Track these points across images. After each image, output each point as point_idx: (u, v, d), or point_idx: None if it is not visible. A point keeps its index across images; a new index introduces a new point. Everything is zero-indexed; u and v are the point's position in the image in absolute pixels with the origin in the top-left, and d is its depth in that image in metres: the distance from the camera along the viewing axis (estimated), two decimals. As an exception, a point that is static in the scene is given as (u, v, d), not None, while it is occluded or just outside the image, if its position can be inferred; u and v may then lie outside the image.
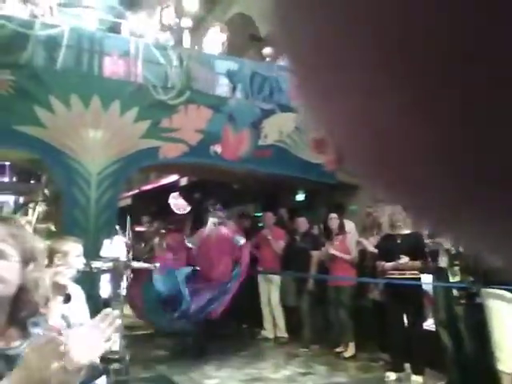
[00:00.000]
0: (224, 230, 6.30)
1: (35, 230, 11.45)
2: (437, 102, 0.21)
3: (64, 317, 2.71)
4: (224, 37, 8.76)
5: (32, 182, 13.63)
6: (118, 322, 1.28)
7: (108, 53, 6.52)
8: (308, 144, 7.13)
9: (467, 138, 0.21)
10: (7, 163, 12.53)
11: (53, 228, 8.56)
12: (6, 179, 13.50)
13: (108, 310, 1.32)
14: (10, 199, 13.86)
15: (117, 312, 1.26)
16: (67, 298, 2.69)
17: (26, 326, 1.37)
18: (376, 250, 5.46)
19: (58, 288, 2.64)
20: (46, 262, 1.51)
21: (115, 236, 5.79)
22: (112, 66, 6.54)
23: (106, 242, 5.67)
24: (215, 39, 8.74)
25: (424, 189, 0.24)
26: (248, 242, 6.99)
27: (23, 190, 13.47)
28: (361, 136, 0.24)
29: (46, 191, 11.02)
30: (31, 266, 1.34)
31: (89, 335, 1.26)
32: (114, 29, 8.69)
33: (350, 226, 6.05)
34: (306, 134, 7.12)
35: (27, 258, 1.33)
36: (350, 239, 5.85)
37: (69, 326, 2.68)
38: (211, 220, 6.49)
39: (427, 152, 0.22)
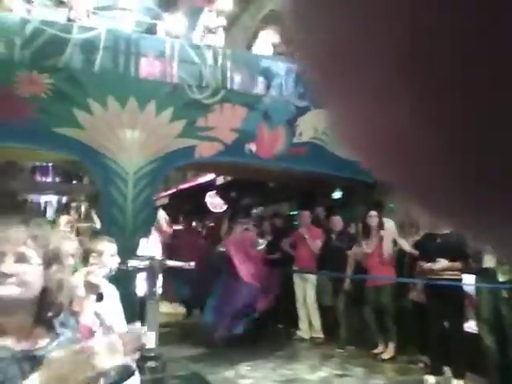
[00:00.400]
0: (248, 235, 6.49)
1: (78, 230, 11.79)
2: (440, 103, 0.21)
3: (97, 314, 2.74)
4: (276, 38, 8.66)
5: (74, 182, 14.03)
6: (144, 337, 1.25)
7: (144, 54, 6.59)
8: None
9: (469, 140, 0.21)
10: (50, 164, 12.92)
11: (97, 226, 8.76)
12: (49, 179, 13.93)
13: (136, 326, 1.29)
14: (53, 199, 14.30)
15: (144, 328, 1.23)
16: (100, 297, 2.72)
17: (53, 325, 1.37)
18: (414, 251, 5.29)
19: (91, 287, 2.67)
20: (72, 261, 1.50)
21: (151, 235, 5.88)
22: (148, 67, 6.61)
23: (143, 240, 5.76)
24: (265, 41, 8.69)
25: (431, 190, 0.24)
26: (284, 240, 6.96)
27: (66, 190, 13.89)
28: (372, 138, 0.25)
29: (88, 191, 11.30)
30: (54, 268, 1.33)
31: (114, 345, 1.24)
32: (151, 30, 8.81)
33: (389, 224, 5.89)
34: (336, 131, 6.97)
35: (50, 260, 1.33)
36: (387, 238, 5.69)
37: (102, 324, 2.72)
38: (238, 227, 6.64)
39: (433, 153, 0.23)
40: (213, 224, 9.42)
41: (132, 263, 4.80)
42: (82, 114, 6.04)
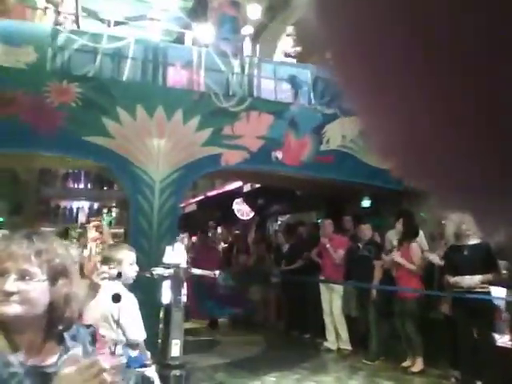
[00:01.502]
0: None
1: (109, 235, 11.96)
2: (462, 101, 0.22)
3: (116, 323, 2.74)
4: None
5: (105, 188, 14.28)
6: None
7: (172, 63, 6.66)
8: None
9: (493, 137, 0.22)
10: (82, 171, 13.19)
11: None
12: (81, 186, 14.22)
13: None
14: (84, 205, 14.58)
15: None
16: (116, 298, 2.70)
17: (64, 340, 1.36)
18: (442, 263, 5.12)
19: (94, 287, 2.68)
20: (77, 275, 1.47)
21: (176, 243, 5.88)
22: (175, 76, 6.67)
23: (168, 248, 5.77)
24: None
25: (464, 184, 0.25)
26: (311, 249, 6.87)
27: (97, 196, 14.15)
28: (397, 135, 0.26)
29: (118, 197, 11.47)
30: (60, 282, 1.30)
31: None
32: (179, 39, 8.90)
33: (419, 235, 5.73)
34: (370, 139, 6.86)
35: (55, 275, 1.30)
36: (415, 248, 5.53)
37: (112, 326, 2.70)
38: None
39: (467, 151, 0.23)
40: (238, 232, 9.40)
41: (157, 271, 4.80)
42: (110, 123, 6.13)
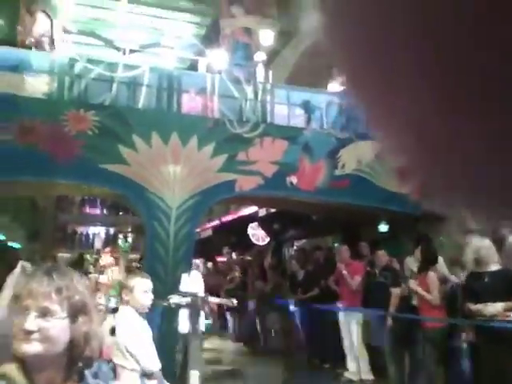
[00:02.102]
0: None
1: (124, 261, 11.97)
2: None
3: (129, 353, 2.70)
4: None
5: (121, 213, 14.36)
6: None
7: (186, 90, 6.73)
8: (389, 172, 6.82)
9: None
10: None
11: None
12: (97, 211, 14.33)
13: None
14: (101, 230, 14.66)
15: None
16: (113, 331, 2.66)
17: (85, 378, 1.33)
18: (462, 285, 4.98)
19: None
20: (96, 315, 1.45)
21: (193, 270, 5.85)
22: (190, 103, 6.74)
23: (184, 276, 5.74)
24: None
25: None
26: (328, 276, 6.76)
27: (113, 222, 14.23)
28: (406, 137, 0.26)
29: (134, 222, 11.50)
30: (80, 320, 1.29)
31: None
32: (193, 65, 9.02)
33: (438, 260, 5.59)
34: (387, 162, 6.81)
35: (75, 312, 1.28)
36: (433, 277, 5.36)
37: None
38: None
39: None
40: (254, 257, 9.31)
41: (174, 300, 4.76)
42: (126, 150, 6.18)
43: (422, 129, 0.24)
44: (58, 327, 1.24)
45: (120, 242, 13.28)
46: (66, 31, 7.03)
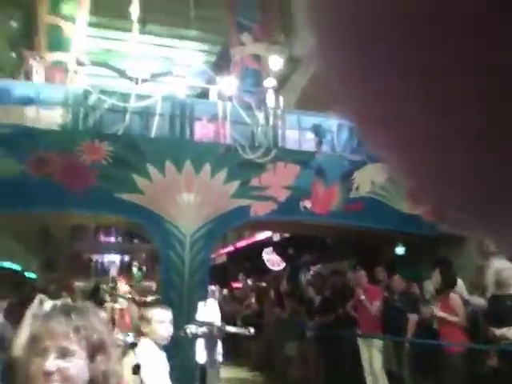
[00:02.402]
0: None
1: (138, 289, 11.95)
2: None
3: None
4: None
5: (135, 241, 14.39)
6: None
7: (198, 117, 6.79)
8: (404, 194, 6.76)
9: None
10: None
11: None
12: (112, 239, 14.37)
13: None
14: (116, 258, 14.67)
15: None
16: (135, 369, 2.61)
17: None
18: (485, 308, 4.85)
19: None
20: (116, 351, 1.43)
21: (209, 299, 5.79)
22: (202, 130, 6.79)
23: (200, 304, 5.68)
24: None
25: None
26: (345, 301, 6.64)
27: (128, 249, 14.25)
28: (399, 139, 0.25)
29: (149, 250, 11.50)
30: (99, 359, 1.27)
31: None
32: (204, 92, 9.12)
33: (458, 283, 5.47)
34: (401, 184, 6.76)
35: (94, 351, 1.27)
36: (456, 299, 5.25)
37: None
38: None
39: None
40: (269, 283, 9.21)
41: (191, 329, 4.69)
42: (140, 179, 6.22)
43: (437, 151, 0.24)
44: (77, 367, 1.23)
45: (135, 269, 13.29)
46: (79, 63, 7.16)
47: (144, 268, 14.23)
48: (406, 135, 0.25)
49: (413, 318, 5.61)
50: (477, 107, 0.22)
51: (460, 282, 5.54)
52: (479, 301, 5.28)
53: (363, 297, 6.12)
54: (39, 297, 3.27)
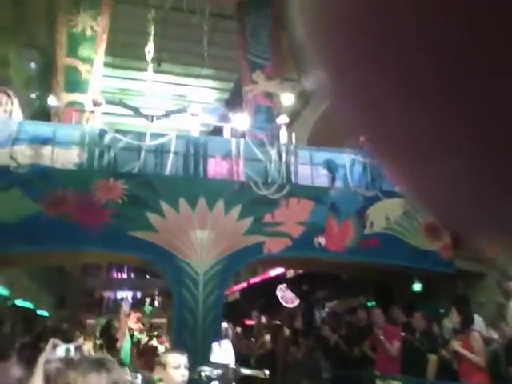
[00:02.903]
0: None
1: (151, 326, 11.81)
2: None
3: None
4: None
5: (147, 276, 14.33)
6: None
7: (212, 155, 6.85)
8: (420, 230, 6.69)
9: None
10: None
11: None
12: (125, 275, 14.34)
13: None
14: (128, 294, 14.60)
15: None
16: None
17: None
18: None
19: None
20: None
21: (223, 340, 5.69)
22: (216, 167, 6.84)
23: (215, 345, 5.57)
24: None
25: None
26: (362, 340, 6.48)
27: (140, 285, 14.18)
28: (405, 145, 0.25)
29: (161, 286, 11.41)
30: None
31: None
32: (217, 129, 9.25)
33: (477, 321, 5.32)
34: (417, 220, 6.71)
35: None
36: (477, 337, 5.08)
37: None
38: None
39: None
40: (284, 321, 9.05)
41: (205, 372, 4.59)
42: (154, 217, 6.24)
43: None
44: None
45: (145, 306, 13.21)
46: (95, 103, 7.32)
47: (155, 304, 14.14)
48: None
49: (433, 358, 5.44)
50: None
51: (479, 318, 5.39)
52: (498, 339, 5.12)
53: (382, 337, 5.96)
54: (52, 341, 3.24)
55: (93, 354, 8.94)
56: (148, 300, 13.95)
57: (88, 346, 9.17)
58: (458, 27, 0.20)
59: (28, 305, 10.43)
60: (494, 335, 5.27)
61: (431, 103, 0.22)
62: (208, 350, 5.48)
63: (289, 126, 8.37)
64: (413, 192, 0.27)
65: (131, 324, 11.94)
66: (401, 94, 0.23)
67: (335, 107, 0.27)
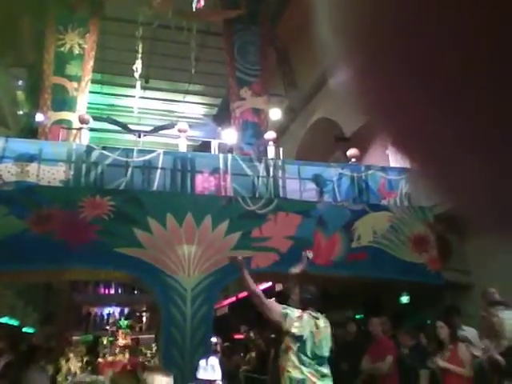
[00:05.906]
0: None
1: (138, 342, 11.67)
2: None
3: None
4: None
5: (135, 292, 14.19)
6: None
7: (199, 170, 6.87)
8: (406, 243, 6.75)
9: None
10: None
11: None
12: (112, 291, 14.19)
13: None
14: (115, 310, 14.43)
15: None
16: None
17: None
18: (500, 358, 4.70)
19: None
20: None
21: (211, 356, 5.66)
22: (203, 183, 6.85)
23: (202, 362, 5.54)
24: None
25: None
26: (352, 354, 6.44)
27: (127, 301, 14.04)
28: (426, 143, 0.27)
29: (149, 301, 11.30)
30: None
31: None
32: (205, 145, 9.28)
33: (472, 333, 5.33)
34: (404, 232, 6.77)
35: None
36: (464, 349, 5.08)
37: None
38: None
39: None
40: (273, 335, 8.99)
41: (192, 389, 4.57)
42: (141, 233, 6.21)
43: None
44: None
45: (121, 321, 13.16)
46: (82, 121, 7.32)
47: (144, 319, 14.00)
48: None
49: (424, 373, 5.43)
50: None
51: (474, 330, 5.40)
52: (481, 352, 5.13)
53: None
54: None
55: (78, 372, 8.81)
56: (137, 315, 13.81)
57: (75, 364, 9.05)
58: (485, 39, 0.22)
59: (13, 322, 10.27)
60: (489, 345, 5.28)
61: (457, 106, 0.24)
62: (196, 368, 5.46)
63: (276, 140, 8.43)
64: (438, 186, 0.29)
65: (122, 341, 11.86)
66: (427, 95, 0.25)
67: (361, 104, 0.29)
